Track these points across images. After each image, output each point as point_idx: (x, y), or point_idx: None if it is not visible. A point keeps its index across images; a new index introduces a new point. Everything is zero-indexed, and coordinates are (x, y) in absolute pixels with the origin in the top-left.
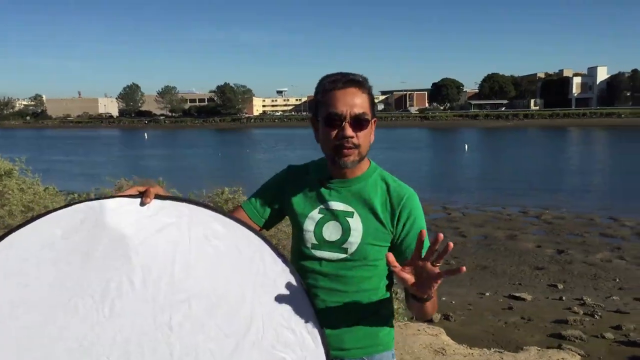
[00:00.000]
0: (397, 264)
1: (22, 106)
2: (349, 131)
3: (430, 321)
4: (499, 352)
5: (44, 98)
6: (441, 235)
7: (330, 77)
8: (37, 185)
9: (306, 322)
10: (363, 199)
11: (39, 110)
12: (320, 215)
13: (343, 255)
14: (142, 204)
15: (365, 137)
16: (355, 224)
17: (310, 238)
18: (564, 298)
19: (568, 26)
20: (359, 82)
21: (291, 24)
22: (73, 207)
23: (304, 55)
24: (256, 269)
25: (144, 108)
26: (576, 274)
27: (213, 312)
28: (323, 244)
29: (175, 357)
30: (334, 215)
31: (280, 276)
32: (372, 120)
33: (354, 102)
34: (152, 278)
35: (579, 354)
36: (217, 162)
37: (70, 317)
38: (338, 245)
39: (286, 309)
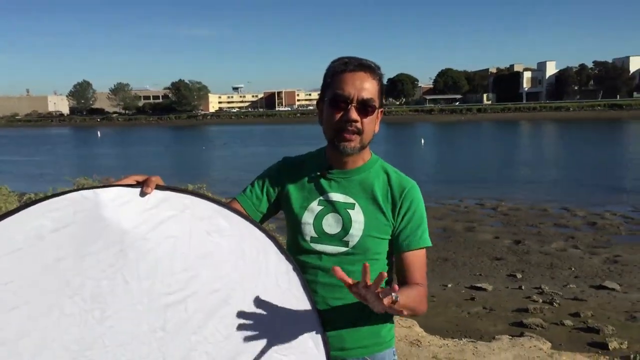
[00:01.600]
0: (348, 280)
1: None
2: (354, 114)
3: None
4: (472, 342)
5: None
6: (384, 274)
7: (342, 60)
8: None
9: (308, 324)
10: (365, 190)
11: None
12: (320, 207)
13: (344, 249)
14: (142, 194)
15: (370, 124)
16: (357, 215)
17: (309, 231)
18: (523, 287)
19: (518, 22)
20: (370, 68)
21: (246, 20)
22: (66, 196)
23: (260, 51)
24: (259, 268)
25: (96, 106)
26: (533, 263)
27: (211, 314)
28: (323, 236)
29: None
30: (334, 206)
31: (284, 276)
32: (379, 110)
33: (363, 87)
34: (148, 277)
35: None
36: (173, 159)
37: (57, 320)
38: (339, 238)
39: (288, 311)
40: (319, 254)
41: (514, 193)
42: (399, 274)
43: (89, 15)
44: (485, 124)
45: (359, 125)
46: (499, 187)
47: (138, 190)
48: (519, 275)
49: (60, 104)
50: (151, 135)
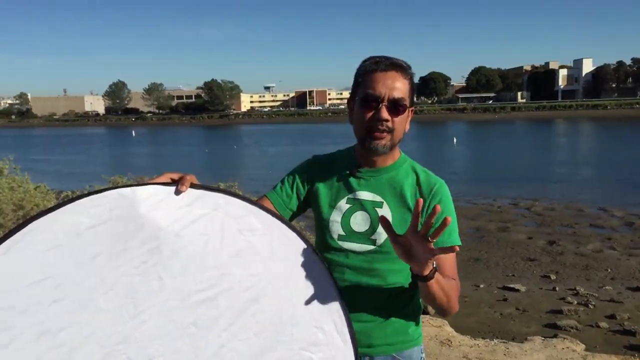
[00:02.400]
0: (392, 231)
1: (7, 105)
2: (385, 114)
3: (427, 313)
4: (503, 342)
5: (29, 96)
6: (438, 207)
7: (373, 59)
8: (27, 183)
9: (336, 321)
10: (394, 189)
11: (24, 109)
12: (348, 206)
13: (371, 247)
14: (177, 192)
15: (401, 124)
16: (385, 214)
17: (337, 229)
18: (557, 289)
19: (554, 19)
20: (401, 67)
21: (278, 19)
22: (104, 193)
23: (291, 50)
24: (290, 267)
25: (130, 105)
26: (568, 264)
27: (242, 311)
28: (350, 235)
29: (201, 357)
30: (362, 205)
31: (314, 274)
32: (410, 109)
33: (394, 86)
34: (181, 274)
35: (582, 344)
36: (205, 158)
37: (92, 315)
38: (366, 236)
39: (317, 308)
40: (346, 251)
41: (549, 193)
42: None
43: (124, 16)
44: (519, 123)
45: (389, 124)
46: (534, 187)
47: (173, 188)
48: (553, 277)
49: (96, 104)
50: (184, 134)
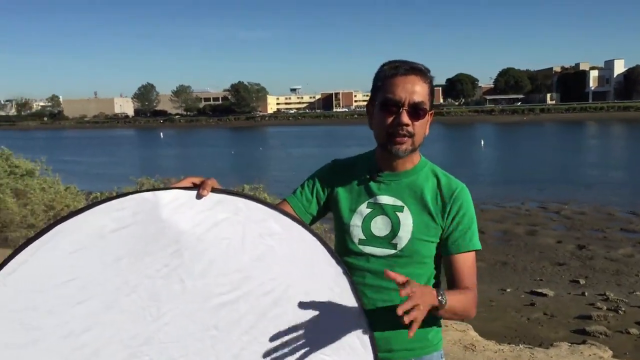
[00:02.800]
0: (399, 279)
1: (40, 107)
2: (406, 118)
3: None
4: (529, 348)
5: (61, 99)
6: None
7: (393, 63)
8: (58, 184)
9: (356, 326)
10: (414, 193)
11: (56, 111)
12: (369, 210)
13: (392, 251)
14: (199, 196)
15: (421, 128)
16: (405, 218)
17: (357, 233)
18: (586, 294)
19: (584, 19)
20: (421, 71)
21: (306, 22)
22: (127, 197)
23: (317, 52)
24: (309, 271)
25: (159, 107)
26: (598, 269)
27: (262, 315)
28: (371, 239)
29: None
30: (382, 209)
31: (334, 279)
32: (430, 112)
33: (414, 90)
34: (202, 277)
35: (611, 350)
36: (231, 160)
37: (115, 316)
38: (387, 240)
39: (336, 313)
40: (367, 256)
41: (579, 196)
42: (448, 277)
43: (153, 19)
44: (549, 125)
45: (410, 129)
46: (563, 190)
47: (194, 192)
48: (583, 281)
49: (125, 106)
50: (211, 136)
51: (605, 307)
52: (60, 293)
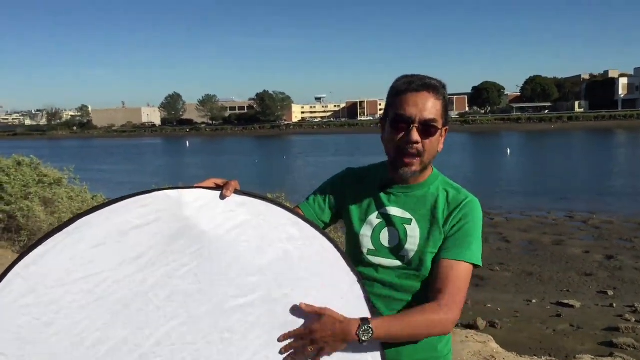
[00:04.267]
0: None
1: (69, 117)
2: (415, 136)
3: (476, 328)
4: None
5: (90, 109)
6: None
7: (406, 79)
8: (85, 193)
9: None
10: (423, 206)
11: (85, 121)
12: (378, 221)
13: (399, 263)
14: (222, 197)
15: (432, 145)
16: (413, 231)
17: (367, 243)
18: (614, 305)
19: (612, 26)
20: (434, 87)
21: (329, 30)
22: (151, 194)
23: (342, 61)
24: (325, 278)
25: (185, 117)
26: (627, 280)
27: (276, 320)
28: (380, 250)
29: None
30: (391, 221)
31: (349, 289)
32: (443, 129)
33: (425, 107)
34: (219, 278)
35: None
36: (255, 168)
37: (131, 315)
38: (395, 252)
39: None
40: (376, 266)
41: (607, 206)
42: (430, 282)
43: (178, 30)
44: (577, 133)
45: (419, 147)
46: (591, 199)
47: (218, 193)
48: (611, 293)
49: (152, 115)
50: (236, 144)
51: (633, 319)
52: (78, 289)
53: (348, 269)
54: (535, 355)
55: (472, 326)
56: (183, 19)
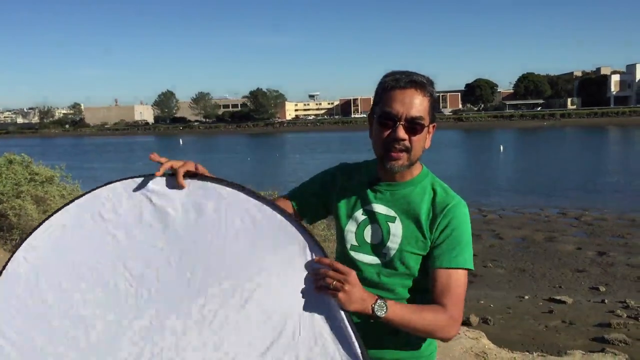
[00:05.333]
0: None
1: (62, 115)
2: (401, 133)
3: (468, 325)
4: (542, 356)
5: (82, 107)
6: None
7: (393, 75)
8: (78, 191)
9: (341, 334)
10: (408, 204)
11: (78, 119)
12: (363, 217)
13: (380, 260)
14: (180, 187)
15: (418, 142)
16: (396, 229)
17: (351, 239)
18: (606, 301)
19: (605, 23)
20: (421, 84)
21: (322, 27)
22: (116, 184)
23: (336, 58)
24: (292, 264)
25: (178, 114)
26: (619, 276)
27: (240, 308)
28: (363, 246)
29: (208, 348)
30: (375, 218)
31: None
32: (431, 125)
33: (412, 104)
34: (187, 264)
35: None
36: (247, 166)
37: (110, 296)
38: (376, 249)
39: (323, 311)
40: (358, 262)
41: (600, 202)
42: (431, 291)
43: (170, 27)
44: (569, 130)
45: (406, 143)
46: (583, 196)
47: (172, 179)
48: (603, 289)
49: (145, 113)
50: (229, 142)
51: (625, 315)
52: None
53: (315, 253)
54: (527, 351)
55: (464, 322)
56: (176, 16)
